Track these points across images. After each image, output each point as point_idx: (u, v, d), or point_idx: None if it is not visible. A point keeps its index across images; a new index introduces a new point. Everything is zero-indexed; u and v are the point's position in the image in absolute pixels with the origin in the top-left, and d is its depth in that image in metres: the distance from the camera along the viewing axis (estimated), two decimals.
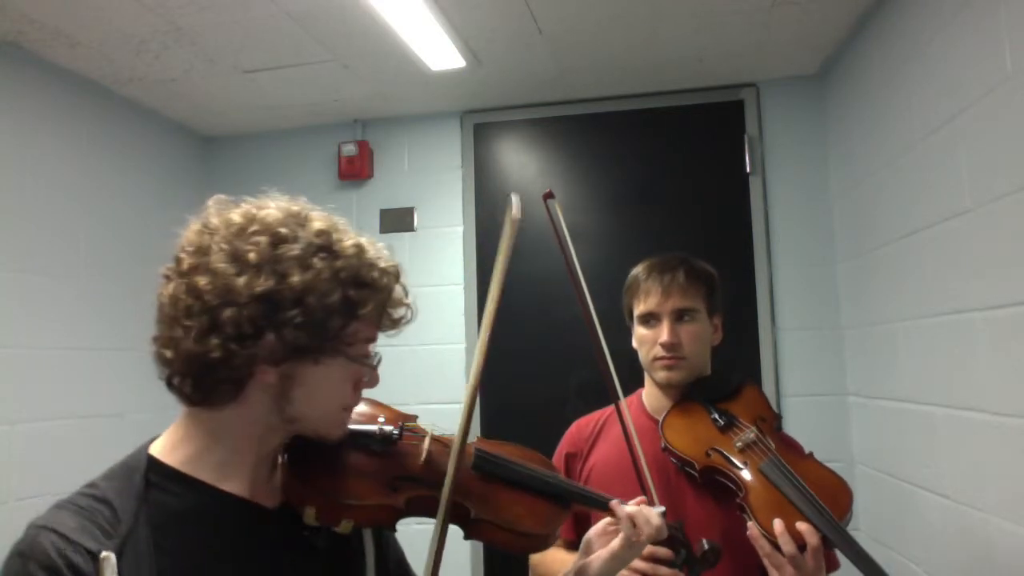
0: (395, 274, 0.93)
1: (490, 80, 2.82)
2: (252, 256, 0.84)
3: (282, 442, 0.93)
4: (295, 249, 0.85)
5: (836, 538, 1.22)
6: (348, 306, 0.86)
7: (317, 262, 0.85)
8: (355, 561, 0.99)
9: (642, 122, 2.99)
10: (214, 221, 0.88)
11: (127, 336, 2.68)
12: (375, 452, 0.98)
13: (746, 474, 1.34)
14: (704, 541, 1.18)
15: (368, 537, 1.02)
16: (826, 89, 2.79)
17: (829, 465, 1.42)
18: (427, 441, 1.02)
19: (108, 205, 2.71)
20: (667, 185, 2.94)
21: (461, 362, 3.01)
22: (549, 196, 1.32)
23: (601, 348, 1.30)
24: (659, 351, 1.48)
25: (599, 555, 1.05)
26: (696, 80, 2.87)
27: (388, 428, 1.00)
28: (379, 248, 0.93)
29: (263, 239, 0.85)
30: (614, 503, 1.08)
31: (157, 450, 0.89)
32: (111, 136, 2.76)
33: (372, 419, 1.02)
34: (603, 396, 1.66)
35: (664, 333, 1.47)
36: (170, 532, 0.82)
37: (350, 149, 3.13)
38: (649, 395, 1.58)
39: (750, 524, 1.27)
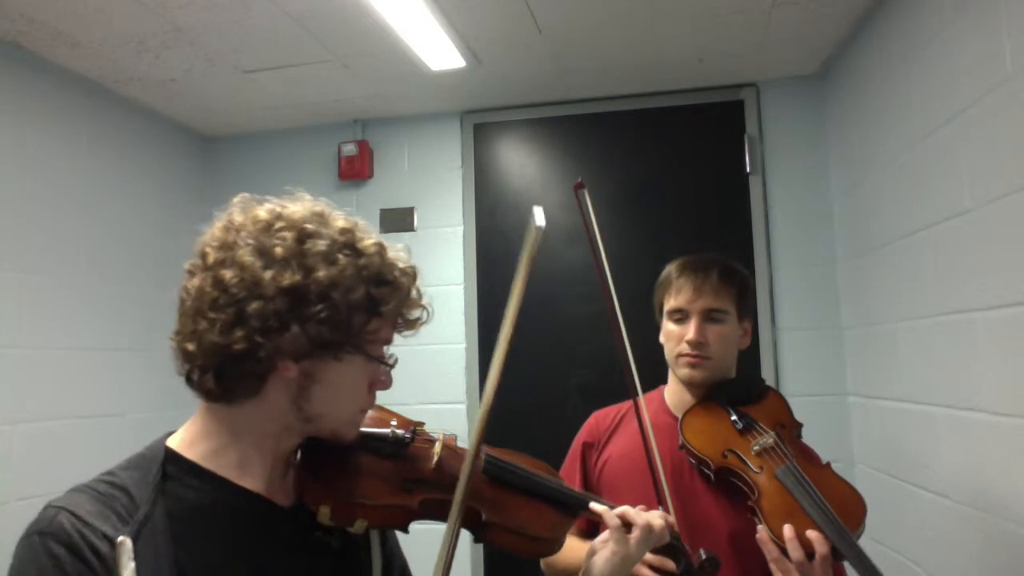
0: (413, 275, 0.94)
1: (490, 80, 2.82)
2: (279, 251, 0.84)
3: (298, 443, 0.94)
4: (321, 245, 0.86)
5: (846, 550, 1.21)
6: (371, 303, 0.87)
7: (342, 258, 0.86)
8: (363, 566, 1.00)
9: (642, 122, 2.99)
10: (239, 218, 0.89)
11: (127, 336, 2.68)
12: (388, 455, 0.99)
13: (761, 478, 1.34)
14: (702, 551, 1.17)
15: (376, 543, 1.02)
16: (826, 89, 2.79)
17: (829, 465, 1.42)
18: (438, 446, 1.03)
19: (108, 205, 2.71)
20: (667, 185, 2.94)
21: (461, 362, 3.01)
22: (580, 187, 1.31)
23: (623, 343, 1.29)
24: (685, 348, 1.48)
25: (601, 554, 1.06)
26: (696, 80, 2.87)
27: (400, 432, 1.01)
28: (398, 249, 0.95)
29: (289, 235, 0.86)
30: (609, 508, 1.07)
31: (175, 444, 0.89)
32: (111, 136, 2.76)
33: (384, 423, 1.03)
34: (603, 396, 1.67)
35: (691, 331, 1.47)
36: (187, 524, 0.83)
37: (350, 149, 3.13)
38: (671, 392, 1.58)
39: (760, 528, 1.26)
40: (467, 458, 0.94)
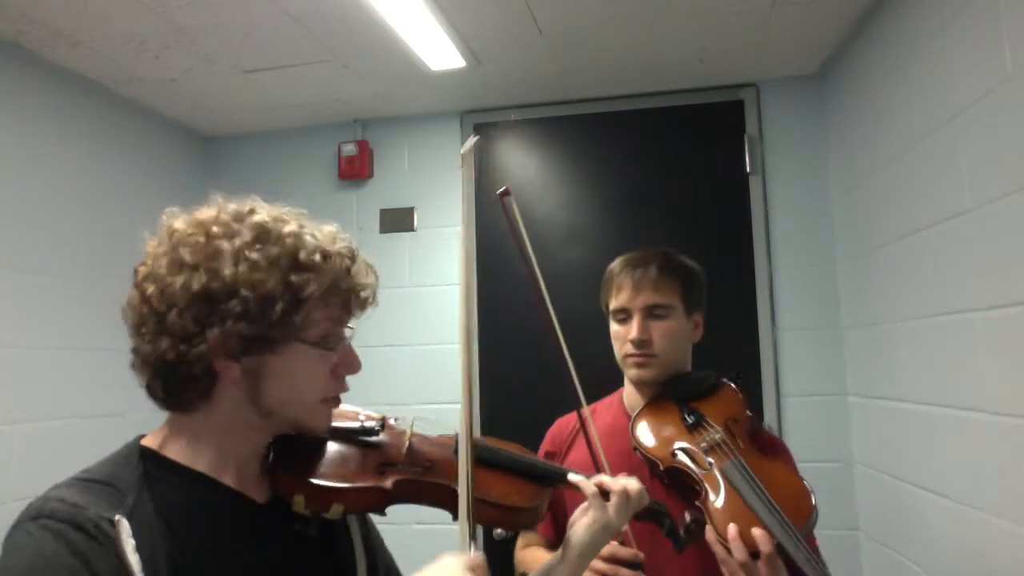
0: (346, 255, 0.92)
1: (490, 80, 2.82)
2: (189, 258, 0.86)
3: (266, 440, 0.95)
4: (227, 245, 0.86)
5: (790, 547, 1.16)
6: (290, 292, 0.86)
7: (252, 254, 0.86)
8: (346, 557, 1.01)
9: (642, 122, 2.99)
10: (163, 233, 0.91)
11: (127, 336, 2.67)
12: (358, 443, 1.01)
13: (708, 475, 1.30)
14: (687, 513, 1.17)
15: (358, 541, 1.03)
16: (826, 89, 2.79)
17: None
18: (408, 432, 1.05)
19: (108, 205, 2.71)
20: (667, 185, 2.94)
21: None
22: (506, 194, 1.24)
23: (563, 353, 1.26)
24: (629, 348, 1.45)
25: (581, 522, 1.06)
26: (696, 80, 2.87)
27: (370, 423, 1.04)
28: (329, 232, 0.93)
29: (200, 240, 0.87)
30: (595, 478, 1.08)
31: (149, 444, 0.90)
32: (111, 136, 2.76)
33: (353, 418, 1.06)
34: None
35: (633, 330, 1.44)
36: (173, 518, 0.83)
37: (350, 149, 3.13)
38: (627, 393, 1.56)
39: (708, 528, 1.22)
40: (461, 449, 0.95)
